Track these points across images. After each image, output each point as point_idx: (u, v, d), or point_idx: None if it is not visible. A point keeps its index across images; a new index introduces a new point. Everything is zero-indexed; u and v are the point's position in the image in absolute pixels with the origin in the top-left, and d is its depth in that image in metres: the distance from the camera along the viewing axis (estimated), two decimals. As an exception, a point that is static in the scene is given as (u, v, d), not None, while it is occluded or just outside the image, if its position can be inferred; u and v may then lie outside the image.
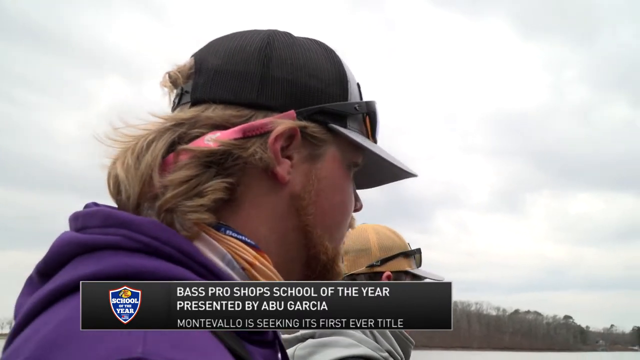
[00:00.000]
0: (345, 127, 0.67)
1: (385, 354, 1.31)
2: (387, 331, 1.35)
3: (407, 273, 1.51)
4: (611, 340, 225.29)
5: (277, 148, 0.61)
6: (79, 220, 0.56)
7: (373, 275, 1.46)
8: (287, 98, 0.63)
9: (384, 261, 1.48)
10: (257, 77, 0.63)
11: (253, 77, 0.62)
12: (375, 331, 1.33)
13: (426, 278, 1.55)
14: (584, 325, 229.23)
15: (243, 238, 0.59)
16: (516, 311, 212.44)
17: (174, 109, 0.66)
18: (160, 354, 0.42)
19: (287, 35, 0.68)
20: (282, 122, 0.61)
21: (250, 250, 0.59)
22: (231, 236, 0.59)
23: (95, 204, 0.59)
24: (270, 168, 0.61)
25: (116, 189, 0.58)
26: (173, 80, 0.66)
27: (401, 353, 1.39)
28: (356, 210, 0.74)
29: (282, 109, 0.63)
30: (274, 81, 0.63)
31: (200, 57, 0.66)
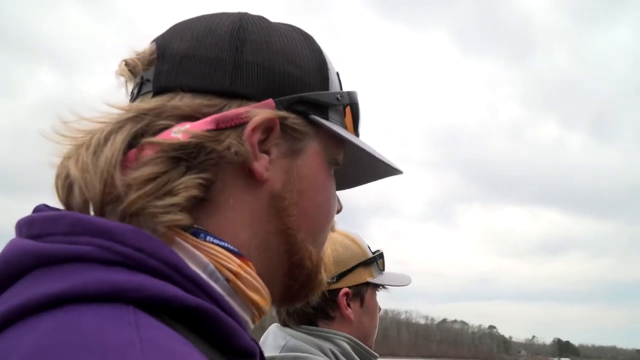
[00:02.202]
0: (326, 119, 0.60)
1: None
2: (352, 351, 1.28)
3: (368, 284, 1.37)
4: (532, 350, 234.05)
5: (255, 141, 0.54)
6: (34, 226, 0.47)
7: (329, 293, 1.31)
8: (263, 86, 0.56)
9: (341, 276, 1.34)
10: (230, 63, 0.56)
11: (225, 63, 0.55)
12: (339, 354, 1.27)
13: (389, 285, 1.42)
14: (507, 336, 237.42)
15: (225, 245, 0.52)
16: (444, 320, 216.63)
17: (133, 100, 0.58)
18: None
19: (261, 18, 0.61)
20: (259, 112, 0.54)
21: (234, 259, 0.52)
22: (212, 243, 0.51)
23: (48, 207, 0.50)
24: (247, 164, 0.54)
25: (67, 191, 0.49)
26: (131, 67, 0.58)
27: None
28: (337, 212, 0.67)
29: (258, 97, 0.56)
30: (249, 67, 0.56)
31: (164, 42, 0.58)
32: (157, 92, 0.55)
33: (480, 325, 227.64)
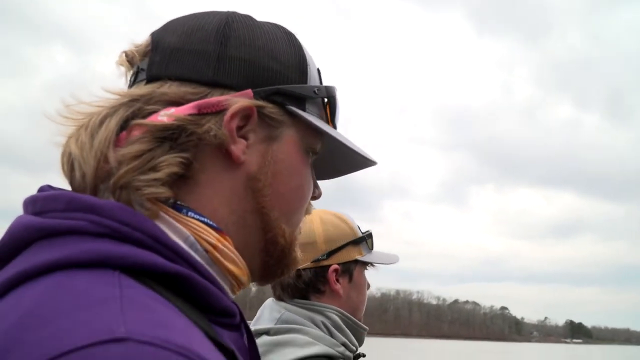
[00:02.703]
0: (303, 110, 0.66)
1: (342, 348, 1.33)
2: (342, 323, 1.37)
3: (356, 262, 1.46)
4: (545, 332, 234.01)
5: (233, 127, 0.60)
6: (37, 204, 0.54)
7: (319, 269, 1.41)
8: (244, 77, 0.62)
9: (331, 254, 1.42)
10: (214, 56, 0.62)
11: (210, 56, 0.62)
12: (330, 325, 1.35)
13: (377, 263, 1.51)
14: (519, 317, 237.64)
15: (205, 220, 0.58)
16: (455, 301, 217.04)
17: (130, 87, 0.65)
18: (145, 333, 0.41)
19: (247, 17, 0.68)
20: (238, 101, 0.60)
21: (213, 233, 0.58)
22: (193, 218, 0.58)
23: (51, 187, 0.57)
24: (224, 145, 0.60)
25: (70, 167, 0.56)
26: (130, 58, 0.65)
27: (356, 343, 1.40)
28: (314, 198, 0.74)
29: (238, 88, 0.62)
30: (231, 60, 0.62)
31: (158, 36, 0.65)
32: (149, 81, 0.61)
33: (492, 306, 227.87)
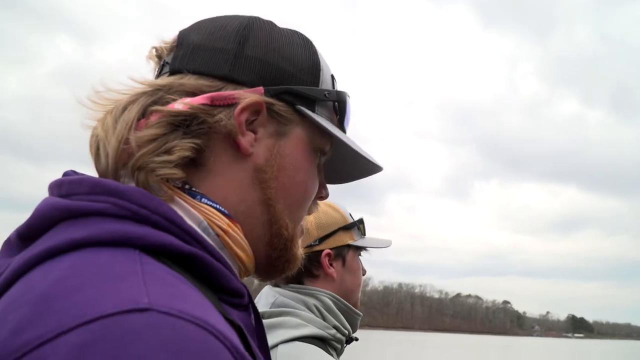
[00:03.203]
0: (313, 111, 0.70)
1: (333, 331, 1.36)
2: (334, 307, 1.40)
3: (349, 247, 1.51)
4: (546, 326, 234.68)
5: (242, 120, 0.64)
6: (63, 187, 0.58)
7: (312, 254, 1.46)
8: (257, 76, 0.67)
9: (322, 239, 1.48)
10: (232, 54, 0.66)
11: (228, 54, 0.66)
12: (322, 308, 1.38)
13: (369, 247, 1.56)
14: (521, 311, 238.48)
15: (217, 206, 0.63)
16: (458, 295, 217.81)
17: (155, 78, 0.70)
18: (165, 305, 0.45)
19: (269, 22, 0.72)
20: (249, 96, 0.65)
21: (224, 219, 0.63)
22: (206, 204, 0.62)
23: (75, 172, 0.61)
24: (232, 135, 0.64)
25: (96, 148, 0.61)
26: (158, 53, 0.71)
27: (348, 327, 1.43)
28: (322, 198, 0.78)
29: (251, 85, 0.66)
30: (247, 59, 0.67)
31: (184, 33, 0.70)
32: (172, 73, 0.67)
33: (494, 300, 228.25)
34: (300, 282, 1.45)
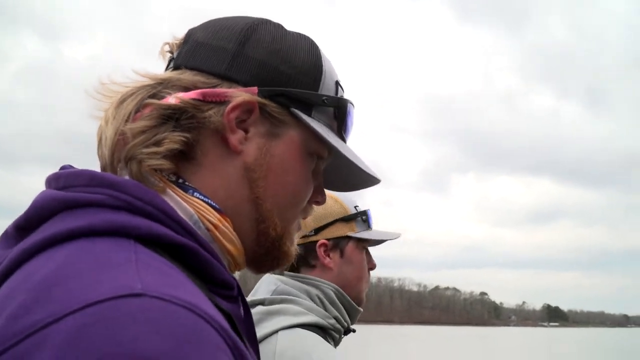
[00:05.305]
0: (309, 115, 0.69)
1: (333, 321, 1.37)
2: (336, 299, 1.41)
3: (349, 238, 1.48)
4: (522, 316, 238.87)
5: (232, 117, 0.65)
6: (60, 180, 0.60)
7: (309, 245, 1.45)
8: (253, 76, 0.67)
9: (319, 230, 1.47)
10: (230, 53, 0.67)
11: (227, 53, 0.67)
12: (324, 299, 1.39)
13: (372, 239, 1.52)
14: (498, 302, 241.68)
15: (208, 201, 0.64)
16: (436, 287, 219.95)
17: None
18: (158, 290, 0.47)
19: (276, 25, 0.73)
20: (241, 95, 0.65)
21: (215, 213, 0.64)
22: (198, 198, 0.63)
23: (71, 166, 0.63)
24: (220, 131, 0.65)
25: (99, 137, 0.64)
26: (170, 49, 0.73)
27: (348, 319, 1.43)
28: (317, 203, 0.77)
29: (247, 84, 0.66)
30: (246, 59, 0.67)
31: (192, 31, 0.72)
32: (175, 68, 0.69)
33: (471, 292, 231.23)
34: (297, 271, 1.44)
